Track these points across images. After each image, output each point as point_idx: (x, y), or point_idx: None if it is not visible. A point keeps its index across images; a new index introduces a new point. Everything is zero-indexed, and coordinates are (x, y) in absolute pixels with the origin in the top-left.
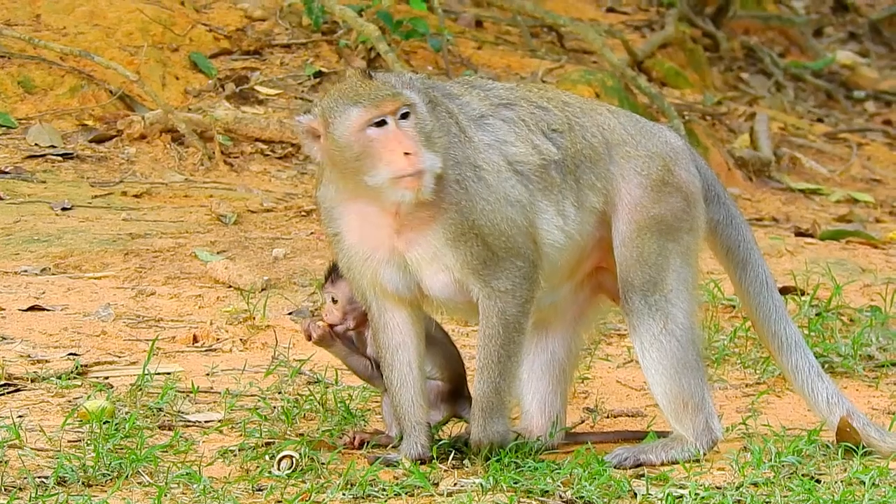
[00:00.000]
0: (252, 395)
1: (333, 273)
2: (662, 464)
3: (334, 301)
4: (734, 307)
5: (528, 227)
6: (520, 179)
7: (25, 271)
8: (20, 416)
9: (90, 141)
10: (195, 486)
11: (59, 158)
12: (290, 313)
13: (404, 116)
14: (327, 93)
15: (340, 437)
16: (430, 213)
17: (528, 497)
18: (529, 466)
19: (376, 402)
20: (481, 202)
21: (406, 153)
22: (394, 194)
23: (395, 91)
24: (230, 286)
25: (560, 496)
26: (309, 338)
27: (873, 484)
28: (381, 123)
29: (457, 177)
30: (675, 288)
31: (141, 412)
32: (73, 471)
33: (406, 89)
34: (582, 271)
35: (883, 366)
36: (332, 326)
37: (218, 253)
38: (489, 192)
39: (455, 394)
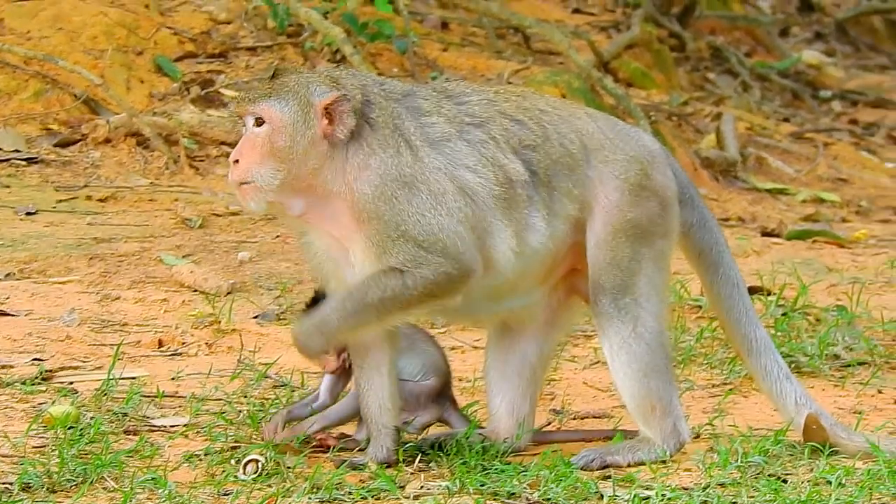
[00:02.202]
0: (218, 400)
1: None
2: (629, 465)
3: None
4: (700, 308)
5: (473, 238)
6: (468, 202)
7: None
8: None
9: (55, 145)
10: (161, 491)
11: (24, 163)
12: (255, 317)
13: (260, 123)
14: None
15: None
16: (355, 222)
17: (494, 499)
18: (496, 468)
19: None
20: (415, 215)
21: (235, 160)
22: (237, 197)
23: (253, 97)
24: (196, 290)
25: (527, 498)
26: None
27: (840, 484)
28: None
29: (386, 192)
30: (646, 292)
31: (106, 417)
32: (37, 476)
33: (281, 99)
34: (555, 276)
35: (849, 365)
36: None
37: (183, 257)
38: (425, 207)
39: (441, 395)
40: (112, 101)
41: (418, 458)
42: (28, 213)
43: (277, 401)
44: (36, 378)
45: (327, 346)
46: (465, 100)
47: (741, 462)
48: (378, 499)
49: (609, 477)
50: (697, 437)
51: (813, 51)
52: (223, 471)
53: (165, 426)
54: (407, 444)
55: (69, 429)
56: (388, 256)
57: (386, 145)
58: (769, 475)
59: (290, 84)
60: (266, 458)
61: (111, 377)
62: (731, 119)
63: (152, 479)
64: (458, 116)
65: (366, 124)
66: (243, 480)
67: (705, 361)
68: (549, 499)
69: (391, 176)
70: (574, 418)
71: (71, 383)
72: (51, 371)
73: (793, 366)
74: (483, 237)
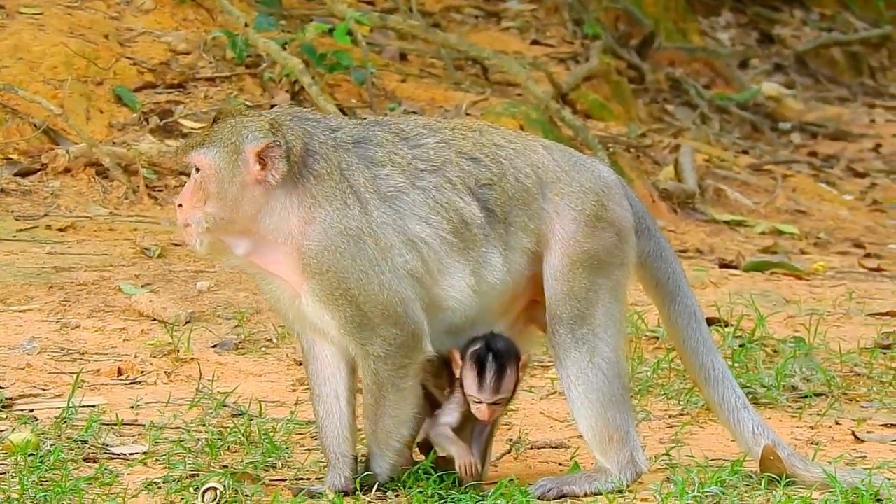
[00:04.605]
0: (176, 428)
1: None
2: (586, 495)
3: None
4: (658, 338)
5: (417, 298)
6: (416, 256)
7: None
8: None
9: (14, 174)
10: None
11: None
12: (214, 346)
13: (197, 169)
14: None
15: None
16: (301, 272)
17: None
18: (453, 498)
19: (300, 434)
20: (357, 273)
21: (179, 204)
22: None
23: (188, 145)
24: (154, 319)
25: None
26: None
27: None
28: None
29: (331, 245)
30: (603, 322)
31: (66, 445)
32: None
33: (211, 146)
34: (516, 308)
35: (806, 396)
36: None
37: (142, 286)
38: (369, 264)
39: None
40: (72, 130)
41: (375, 486)
42: None
43: (236, 429)
44: None
45: (403, 456)
46: (421, 142)
47: (698, 492)
48: None
49: None
50: (654, 466)
51: (772, 83)
52: (182, 499)
53: (125, 454)
54: (364, 472)
55: (29, 456)
56: (336, 315)
57: (332, 197)
58: None
59: (223, 130)
60: (224, 486)
61: (71, 405)
62: (689, 151)
63: None
64: (413, 163)
65: (310, 175)
66: None
67: (662, 392)
68: None
69: (337, 229)
70: (531, 448)
71: (31, 411)
72: (11, 399)
73: (750, 397)
74: (439, 279)
